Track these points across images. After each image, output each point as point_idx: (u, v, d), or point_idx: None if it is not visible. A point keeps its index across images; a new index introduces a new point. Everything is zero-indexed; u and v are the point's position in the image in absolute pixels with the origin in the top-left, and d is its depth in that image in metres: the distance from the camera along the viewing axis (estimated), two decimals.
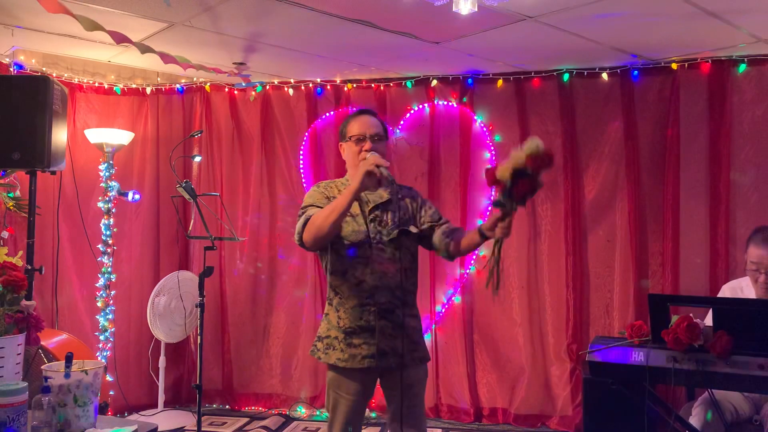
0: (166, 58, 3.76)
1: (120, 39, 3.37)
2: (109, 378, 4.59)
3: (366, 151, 2.53)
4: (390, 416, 2.61)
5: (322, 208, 2.49)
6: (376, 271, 2.50)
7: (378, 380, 2.62)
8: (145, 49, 3.55)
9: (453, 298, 4.74)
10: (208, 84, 5.04)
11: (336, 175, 4.89)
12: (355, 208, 2.57)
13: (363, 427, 2.70)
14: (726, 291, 3.32)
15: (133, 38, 3.63)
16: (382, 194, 2.60)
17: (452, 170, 4.76)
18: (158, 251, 5.00)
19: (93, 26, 3.12)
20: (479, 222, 4.65)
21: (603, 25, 3.60)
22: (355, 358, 2.52)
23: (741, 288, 3.26)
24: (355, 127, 2.60)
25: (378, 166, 2.36)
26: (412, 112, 4.81)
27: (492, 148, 4.70)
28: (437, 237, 2.60)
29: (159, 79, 4.92)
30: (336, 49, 4.16)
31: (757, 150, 4.13)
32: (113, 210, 4.69)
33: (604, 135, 4.49)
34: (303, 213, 2.55)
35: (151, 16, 3.49)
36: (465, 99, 4.71)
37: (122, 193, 4.68)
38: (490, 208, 2.20)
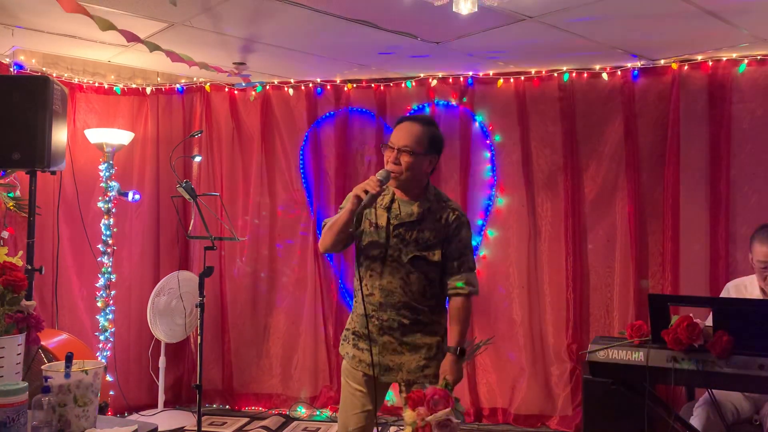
0: (173, 56, 3.77)
1: (131, 38, 3.38)
2: (109, 378, 4.59)
3: (388, 161, 2.51)
4: None
5: None
6: (384, 288, 2.50)
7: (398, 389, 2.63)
8: (153, 47, 3.56)
9: None
10: (208, 84, 5.04)
11: (335, 175, 4.90)
12: (383, 219, 2.53)
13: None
14: (731, 289, 3.31)
15: None
16: (414, 211, 2.52)
17: (452, 170, 4.76)
18: (158, 251, 5.00)
19: (107, 26, 3.13)
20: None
21: (603, 25, 3.60)
22: (354, 359, 2.57)
23: (745, 286, 3.24)
24: (393, 135, 2.55)
25: (366, 192, 2.37)
26: (412, 112, 4.81)
27: (492, 148, 4.70)
28: (446, 281, 2.54)
29: (159, 79, 4.92)
30: (336, 49, 4.16)
31: (757, 150, 4.13)
32: (113, 210, 4.69)
33: (604, 135, 4.49)
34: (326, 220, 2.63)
35: (151, 16, 3.49)
36: (465, 99, 4.71)
37: (122, 193, 4.68)
38: None
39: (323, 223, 2.62)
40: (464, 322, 2.54)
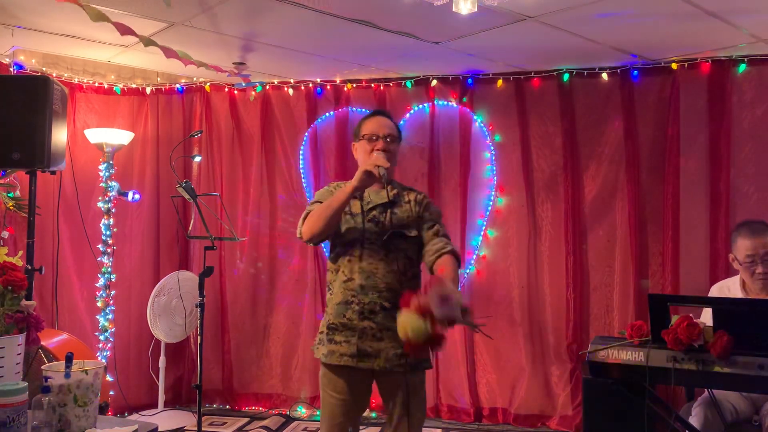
0: (168, 52, 3.75)
1: (124, 31, 3.36)
2: (109, 378, 4.59)
3: (377, 150, 2.54)
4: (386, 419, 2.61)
5: None
6: (364, 270, 2.50)
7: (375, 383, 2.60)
8: (148, 42, 3.55)
9: None
10: (208, 84, 5.04)
11: (335, 175, 4.89)
12: (356, 206, 2.57)
13: (362, 428, 2.65)
14: (714, 291, 3.31)
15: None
16: (384, 195, 2.56)
17: (452, 170, 4.76)
18: (158, 251, 5.00)
19: (99, 17, 3.10)
20: (480, 223, 4.68)
21: (603, 25, 3.60)
22: (333, 354, 2.51)
23: (728, 288, 3.24)
24: (368, 127, 2.61)
25: (378, 166, 2.39)
26: (412, 112, 4.81)
27: (492, 148, 4.70)
28: (425, 251, 2.54)
29: (159, 79, 4.92)
30: (336, 49, 4.16)
31: (757, 150, 4.13)
32: (113, 210, 4.69)
33: (604, 135, 4.49)
34: (309, 210, 2.59)
35: (151, 15, 3.50)
36: (465, 99, 4.71)
37: (122, 193, 4.68)
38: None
39: (306, 213, 2.56)
40: (456, 274, 2.44)
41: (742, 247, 3.09)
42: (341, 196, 2.43)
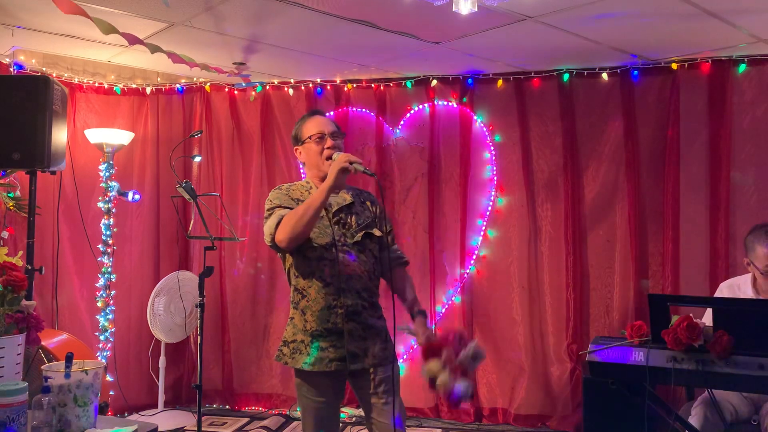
0: (174, 57, 3.78)
1: (133, 41, 3.40)
2: (109, 378, 4.59)
3: (329, 148, 2.53)
4: (365, 415, 2.64)
5: (290, 208, 2.46)
6: (342, 274, 2.48)
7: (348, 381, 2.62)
8: (155, 48, 3.57)
9: (453, 298, 4.74)
10: (208, 84, 5.04)
11: None
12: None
13: (349, 427, 2.67)
14: (724, 289, 3.30)
15: None
16: (345, 197, 2.58)
17: (452, 170, 4.76)
18: (158, 251, 5.01)
19: (109, 29, 3.15)
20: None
21: (603, 25, 3.60)
22: (322, 362, 2.48)
23: (738, 286, 3.23)
24: (311, 128, 2.57)
25: (351, 163, 2.36)
26: (412, 112, 4.81)
27: (492, 148, 4.70)
28: (384, 254, 2.62)
29: (159, 79, 4.92)
30: (336, 49, 4.16)
31: (757, 150, 4.13)
32: (113, 210, 4.69)
33: (604, 135, 4.49)
34: (271, 214, 2.49)
35: (151, 16, 3.50)
36: (465, 99, 4.71)
37: (122, 193, 4.68)
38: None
39: (279, 219, 2.44)
40: (413, 287, 2.67)
41: (762, 255, 3.01)
42: (318, 198, 2.36)
